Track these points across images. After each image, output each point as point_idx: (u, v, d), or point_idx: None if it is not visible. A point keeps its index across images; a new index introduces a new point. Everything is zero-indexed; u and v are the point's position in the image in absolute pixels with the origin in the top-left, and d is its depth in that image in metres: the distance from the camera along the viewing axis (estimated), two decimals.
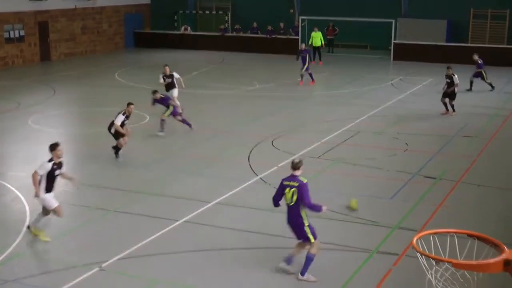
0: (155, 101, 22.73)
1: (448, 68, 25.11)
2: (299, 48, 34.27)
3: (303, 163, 11.85)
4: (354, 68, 37.46)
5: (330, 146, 21.07)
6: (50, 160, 13.42)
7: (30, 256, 13.20)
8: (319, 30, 40.14)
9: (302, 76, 32.27)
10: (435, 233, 6.96)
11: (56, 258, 12.95)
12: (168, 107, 22.34)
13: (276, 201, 12.06)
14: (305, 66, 31.85)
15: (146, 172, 18.58)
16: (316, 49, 39.40)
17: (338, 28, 43.36)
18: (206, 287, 11.85)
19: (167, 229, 14.36)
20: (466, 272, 6.40)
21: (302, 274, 11.78)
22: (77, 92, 31.50)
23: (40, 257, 13.16)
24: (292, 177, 11.77)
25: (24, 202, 16.10)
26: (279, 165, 18.97)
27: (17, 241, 13.76)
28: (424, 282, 6.15)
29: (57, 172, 13.57)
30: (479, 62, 29.57)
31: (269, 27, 44.90)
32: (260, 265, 12.73)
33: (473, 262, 6.18)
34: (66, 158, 20.36)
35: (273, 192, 16.52)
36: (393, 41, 40.81)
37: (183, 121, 22.73)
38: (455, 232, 7.15)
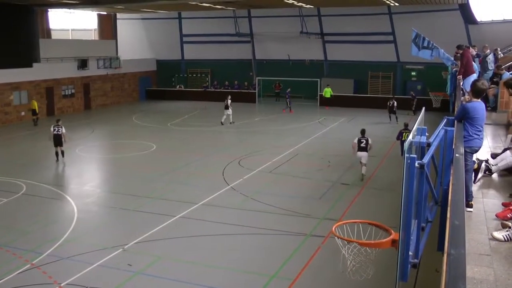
0: None
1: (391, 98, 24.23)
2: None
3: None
4: (294, 111, 37.59)
5: (278, 164, 21.08)
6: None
7: (76, 241, 12.93)
8: (328, 87, 39.53)
9: None
10: (347, 223, 6.98)
11: (93, 243, 12.73)
12: None
13: None
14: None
15: (153, 183, 18.35)
16: (328, 99, 39.05)
17: (282, 84, 43.20)
18: (199, 261, 11.72)
19: (168, 222, 14.23)
20: (367, 248, 6.44)
21: None
22: (108, 130, 31.10)
23: (84, 242, 12.87)
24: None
25: (73, 205, 15.83)
26: (244, 178, 18.93)
27: (69, 231, 13.54)
28: (341, 256, 6.18)
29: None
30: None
31: (236, 83, 45.21)
32: (237, 248, 12.64)
33: (372, 241, 6.22)
34: (101, 175, 20.27)
35: (240, 197, 16.62)
36: (319, 93, 40.76)
37: None
38: (360, 222, 7.18)
